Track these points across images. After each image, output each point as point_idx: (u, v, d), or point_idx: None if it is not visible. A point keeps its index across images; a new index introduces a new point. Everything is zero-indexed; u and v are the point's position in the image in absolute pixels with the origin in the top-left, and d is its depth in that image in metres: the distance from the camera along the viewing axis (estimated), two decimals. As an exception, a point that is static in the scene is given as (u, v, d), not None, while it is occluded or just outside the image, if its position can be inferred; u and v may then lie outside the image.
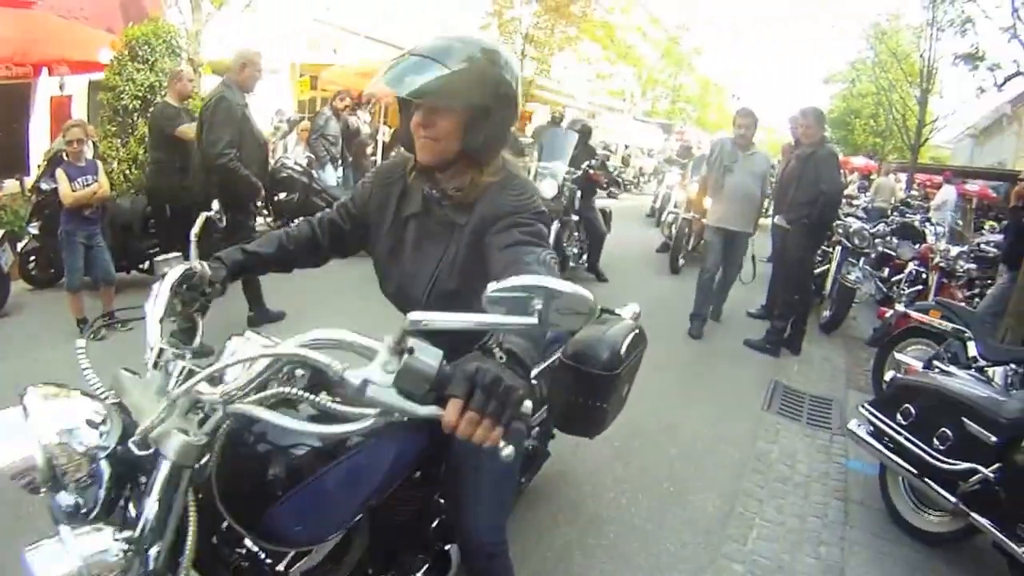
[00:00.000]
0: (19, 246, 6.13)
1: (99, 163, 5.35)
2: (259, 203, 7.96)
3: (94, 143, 8.07)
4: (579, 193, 7.76)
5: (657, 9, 34.91)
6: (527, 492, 3.27)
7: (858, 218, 8.67)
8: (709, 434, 4.37)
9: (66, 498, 1.34)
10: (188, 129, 5.61)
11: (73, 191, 4.96)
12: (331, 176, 9.12)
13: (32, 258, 6.21)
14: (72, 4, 10.13)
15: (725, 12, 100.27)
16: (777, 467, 4.11)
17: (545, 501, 3.35)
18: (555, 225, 7.02)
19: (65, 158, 5.12)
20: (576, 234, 8.04)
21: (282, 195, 8.01)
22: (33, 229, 6.07)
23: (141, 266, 6.41)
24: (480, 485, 1.93)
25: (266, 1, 12.67)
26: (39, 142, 9.81)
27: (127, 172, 7.69)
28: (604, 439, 4.05)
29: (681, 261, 9.15)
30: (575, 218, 7.84)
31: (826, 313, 7.22)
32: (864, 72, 25.32)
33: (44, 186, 5.84)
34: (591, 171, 7.86)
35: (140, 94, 7.63)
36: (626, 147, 26.98)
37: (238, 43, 10.40)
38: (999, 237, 8.55)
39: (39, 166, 7.26)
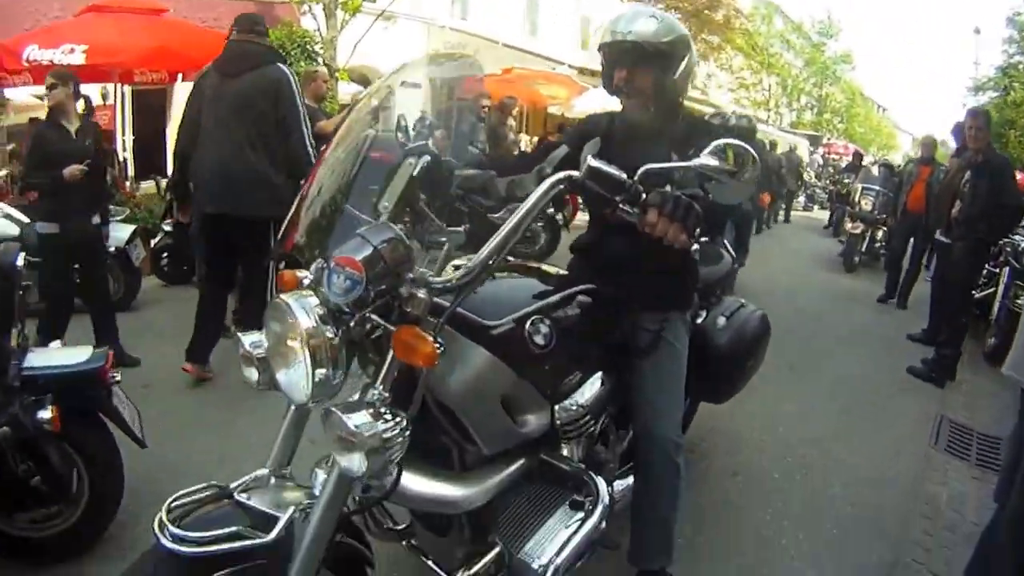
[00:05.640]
0: (152, 243, 6.36)
1: None
2: None
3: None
4: None
5: (799, 17, 33.66)
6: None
7: (1026, 236, 7.84)
8: (874, 470, 3.93)
9: None
10: (329, 123, 5.60)
11: None
12: None
13: (164, 255, 6.43)
14: (206, 13, 10.62)
15: (866, 22, 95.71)
16: (946, 513, 3.62)
17: (702, 535, 3.10)
18: None
19: None
20: None
21: None
22: (167, 226, 6.28)
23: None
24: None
25: (402, 8, 12.84)
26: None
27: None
28: (763, 470, 3.79)
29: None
30: None
31: (992, 340, 6.42)
32: (1017, 79, 23.17)
33: None
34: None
35: (277, 98, 7.76)
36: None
37: (372, 50, 10.67)
38: None
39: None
